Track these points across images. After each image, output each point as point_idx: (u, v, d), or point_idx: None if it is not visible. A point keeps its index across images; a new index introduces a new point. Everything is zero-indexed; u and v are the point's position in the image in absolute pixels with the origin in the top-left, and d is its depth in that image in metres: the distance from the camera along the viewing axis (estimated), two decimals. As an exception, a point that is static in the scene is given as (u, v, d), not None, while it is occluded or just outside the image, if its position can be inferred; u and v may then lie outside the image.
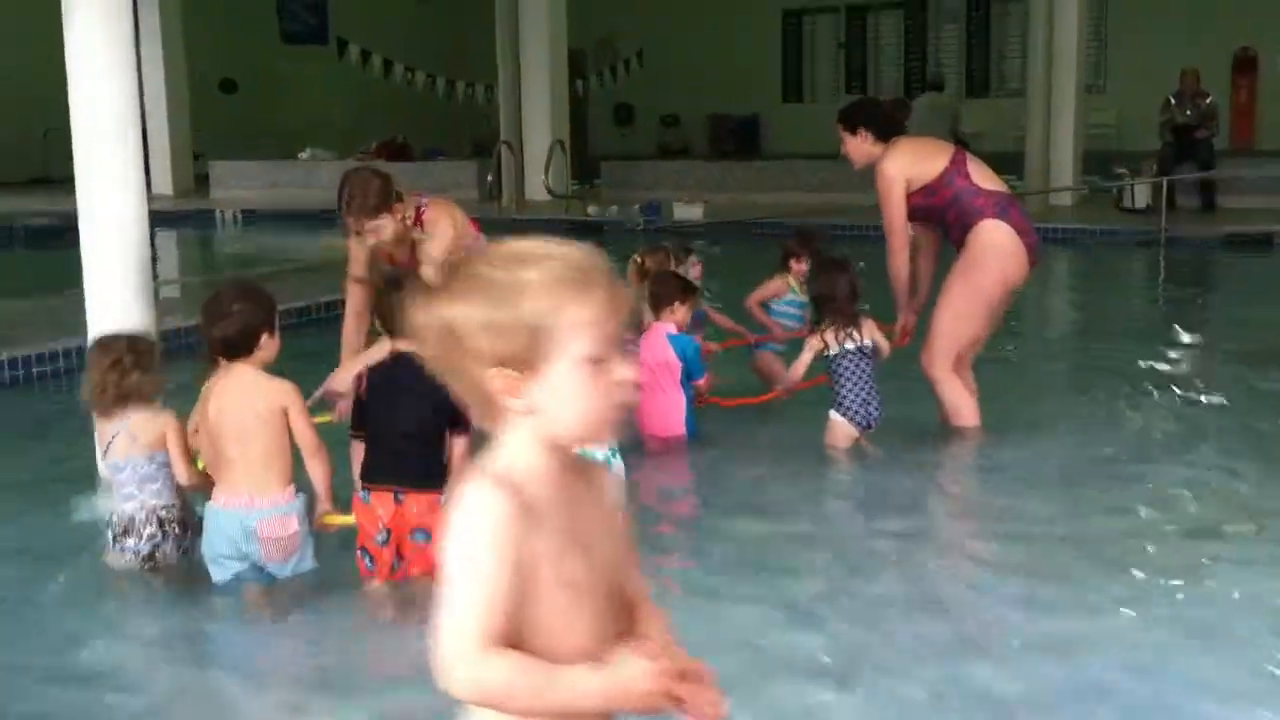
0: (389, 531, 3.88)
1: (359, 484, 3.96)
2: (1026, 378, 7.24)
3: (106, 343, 4.30)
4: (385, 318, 4.13)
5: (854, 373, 5.44)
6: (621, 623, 1.70)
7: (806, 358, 5.56)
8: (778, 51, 25.51)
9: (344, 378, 4.55)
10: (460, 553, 1.57)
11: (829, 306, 5.48)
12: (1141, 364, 7.25)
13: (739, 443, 5.72)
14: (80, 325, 5.23)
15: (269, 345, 4.01)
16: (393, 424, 3.90)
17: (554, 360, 1.60)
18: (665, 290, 5.73)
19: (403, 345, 3.98)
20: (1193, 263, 12.44)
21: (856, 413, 5.45)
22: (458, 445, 3.95)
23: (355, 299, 4.92)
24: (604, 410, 1.63)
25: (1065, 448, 5.60)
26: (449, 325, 1.64)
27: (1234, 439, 5.61)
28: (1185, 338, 8.40)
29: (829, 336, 5.44)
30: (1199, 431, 5.78)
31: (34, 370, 7.08)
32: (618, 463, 4.20)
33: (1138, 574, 4.08)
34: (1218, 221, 13.88)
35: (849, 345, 5.43)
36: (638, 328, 5.52)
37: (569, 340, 1.59)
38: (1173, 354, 7.76)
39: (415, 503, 3.86)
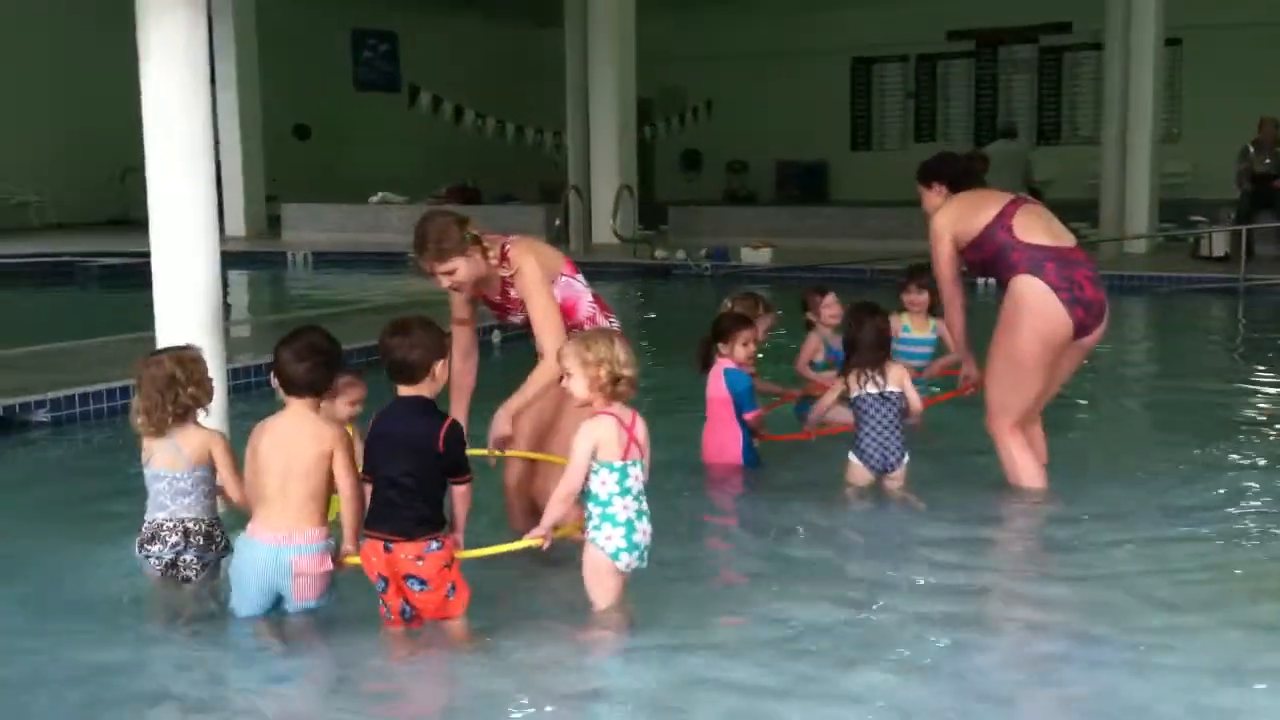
0: (385, 579, 3.87)
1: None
2: (1100, 428, 7.07)
3: (154, 362, 4.32)
4: (390, 364, 3.98)
5: (873, 417, 5.49)
6: None
7: (829, 399, 5.75)
8: (846, 99, 25.51)
9: (503, 420, 4.57)
10: None
11: (853, 349, 5.59)
12: (1219, 414, 7.08)
13: (794, 477, 5.81)
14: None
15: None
16: (387, 472, 3.88)
17: None
18: (722, 329, 5.98)
19: (404, 392, 3.96)
20: (1273, 311, 12.17)
21: (872, 457, 5.50)
22: (457, 493, 3.95)
23: (460, 340, 4.89)
24: None
25: (1137, 499, 5.43)
26: None
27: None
28: (1266, 388, 8.21)
29: (851, 379, 5.54)
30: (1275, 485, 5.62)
31: (105, 405, 7.15)
32: (644, 524, 4.05)
33: (1186, 616, 3.96)
34: (1298, 271, 13.60)
35: (870, 389, 5.49)
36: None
37: None
38: (1251, 404, 7.57)
39: (403, 550, 3.83)
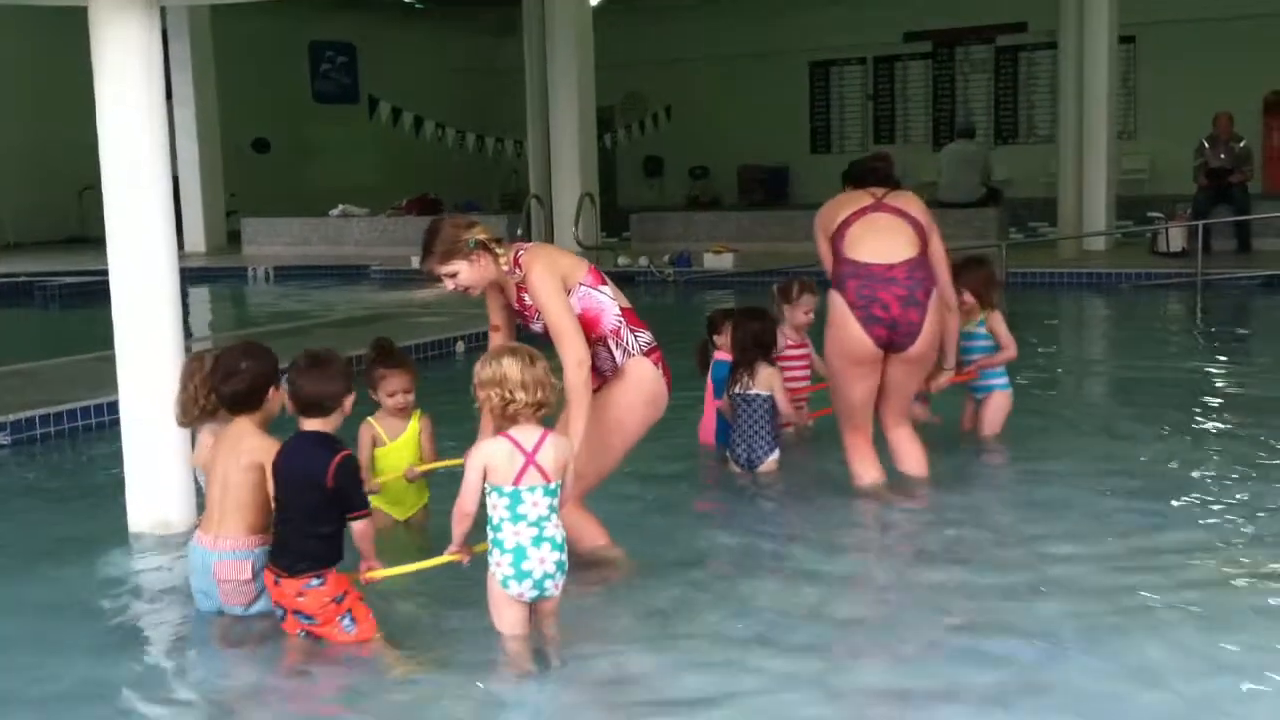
0: (283, 609, 3.94)
1: None
2: (1053, 420, 7.10)
3: (195, 357, 4.51)
4: (303, 399, 3.98)
5: (739, 415, 5.89)
6: None
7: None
8: (806, 103, 25.60)
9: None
10: None
11: (732, 351, 6.02)
12: (1176, 406, 7.15)
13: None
14: (113, 382, 5.25)
15: (274, 399, 4.21)
16: (282, 505, 3.92)
17: None
18: (714, 324, 6.41)
19: (307, 425, 3.98)
20: (1230, 305, 12.32)
21: (737, 451, 5.90)
22: (356, 529, 3.95)
23: (494, 346, 4.76)
24: None
25: (1079, 490, 5.49)
26: None
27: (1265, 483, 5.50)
28: (1221, 381, 8.30)
29: (732, 378, 5.97)
30: (1229, 475, 5.68)
31: (66, 426, 7.09)
32: (543, 552, 3.78)
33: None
34: (1254, 264, 13.76)
35: (737, 389, 5.88)
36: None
37: None
38: (1204, 398, 7.65)
39: (287, 585, 3.88)
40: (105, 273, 5.20)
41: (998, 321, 6.38)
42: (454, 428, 5.45)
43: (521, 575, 3.75)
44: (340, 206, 20.25)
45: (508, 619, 3.84)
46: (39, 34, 19.35)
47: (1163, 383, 8.22)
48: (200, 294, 15.49)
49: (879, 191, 5.54)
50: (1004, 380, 6.48)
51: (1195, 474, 5.73)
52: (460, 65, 26.22)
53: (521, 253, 4.54)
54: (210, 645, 4.06)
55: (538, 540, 3.77)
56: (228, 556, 4.09)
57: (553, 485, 3.79)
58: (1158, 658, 3.74)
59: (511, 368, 3.75)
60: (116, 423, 5.35)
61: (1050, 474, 5.83)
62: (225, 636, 4.08)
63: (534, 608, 3.86)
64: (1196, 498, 5.37)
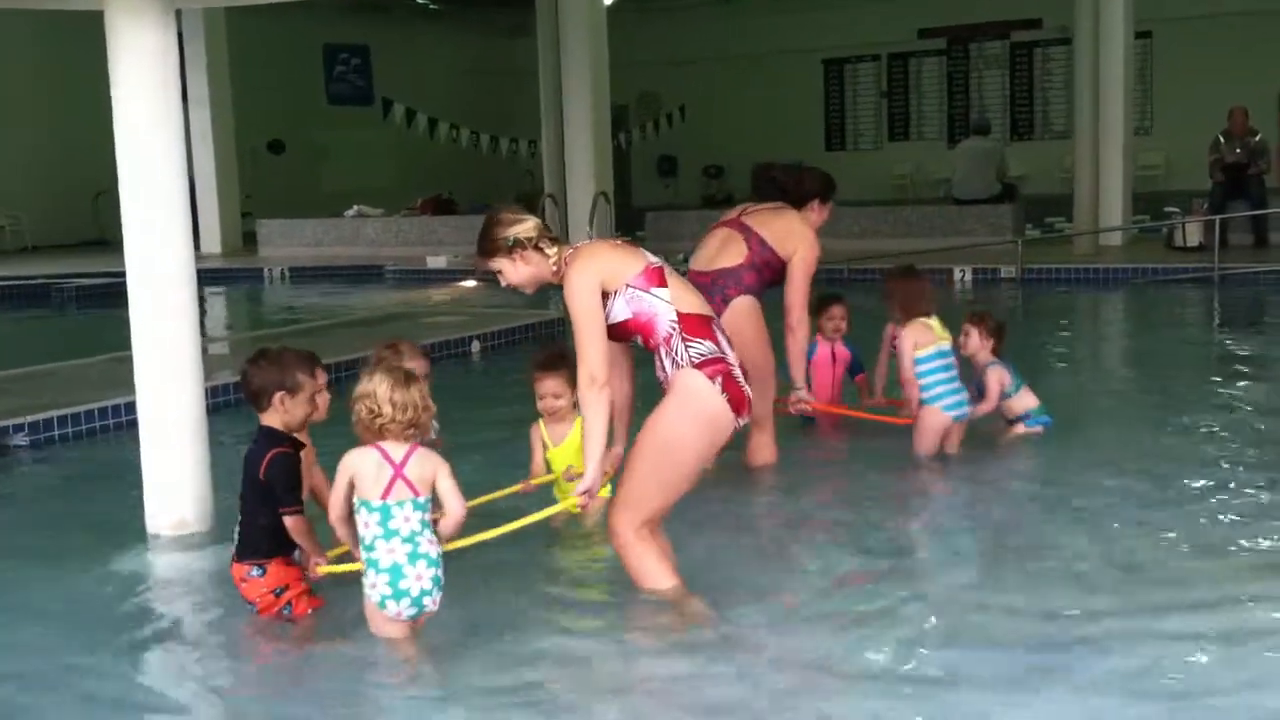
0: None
1: None
2: (1071, 413, 7.09)
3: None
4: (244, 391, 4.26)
5: None
6: None
7: None
8: (820, 100, 25.58)
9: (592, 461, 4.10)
10: None
11: None
12: (1194, 399, 7.12)
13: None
14: (130, 383, 5.27)
15: (288, 405, 4.14)
16: (241, 494, 4.18)
17: None
18: (821, 302, 6.70)
19: (262, 420, 4.18)
20: (1248, 299, 12.26)
21: None
22: (287, 525, 4.02)
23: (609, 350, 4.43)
24: None
25: (1080, 488, 5.46)
26: None
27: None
28: (1240, 374, 8.27)
29: None
30: (1247, 472, 5.65)
31: (84, 427, 7.12)
32: (420, 569, 3.73)
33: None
34: (1271, 258, 13.69)
35: None
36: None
37: None
38: (1225, 390, 7.62)
39: (235, 570, 4.16)
40: (122, 275, 5.22)
41: (903, 342, 5.91)
42: (470, 433, 5.46)
43: (399, 594, 3.69)
44: (355, 207, 20.30)
45: (393, 632, 3.78)
46: (54, 38, 19.47)
47: (1178, 378, 8.19)
48: (217, 295, 15.54)
49: (750, 207, 6.02)
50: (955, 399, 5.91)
51: (1209, 469, 5.71)
52: (474, 66, 26.26)
53: (569, 254, 4.16)
54: (225, 645, 4.07)
55: (413, 556, 3.69)
56: None
57: (421, 499, 3.73)
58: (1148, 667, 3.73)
59: (382, 385, 3.73)
60: (134, 423, 5.36)
61: (1048, 475, 5.79)
62: (241, 635, 4.09)
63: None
64: (1210, 495, 5.36)
